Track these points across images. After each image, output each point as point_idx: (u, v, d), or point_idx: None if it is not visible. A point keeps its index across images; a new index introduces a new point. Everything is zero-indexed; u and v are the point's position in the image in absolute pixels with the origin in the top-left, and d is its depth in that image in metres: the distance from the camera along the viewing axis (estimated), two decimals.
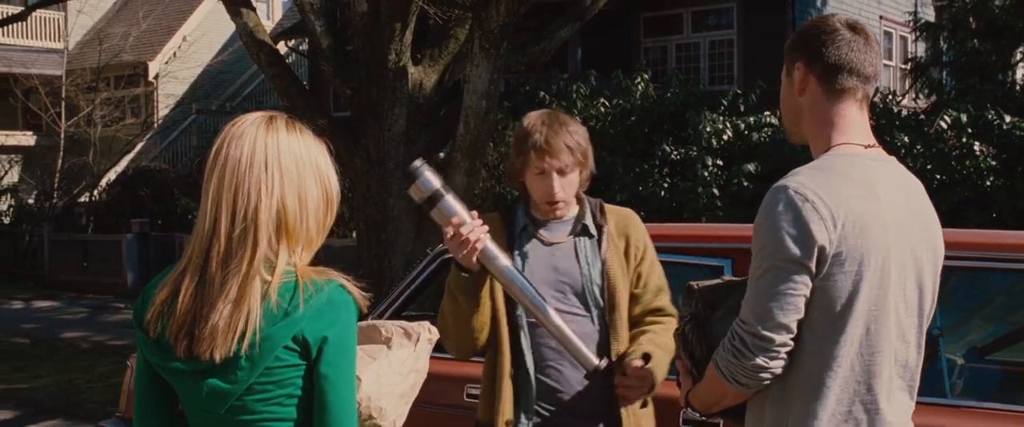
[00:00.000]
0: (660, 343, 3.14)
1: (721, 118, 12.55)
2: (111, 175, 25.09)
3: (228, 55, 28.59)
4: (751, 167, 12.02)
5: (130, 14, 30.06)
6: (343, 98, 9.53)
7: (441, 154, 10.30)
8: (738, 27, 18.83)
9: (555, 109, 3.32)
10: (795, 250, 2.28)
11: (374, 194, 8.92)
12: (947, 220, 8.57)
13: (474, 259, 3.00)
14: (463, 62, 8.88)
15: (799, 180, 2.34)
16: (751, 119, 12.54)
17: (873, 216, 2.33)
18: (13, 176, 27.26)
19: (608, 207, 3.31)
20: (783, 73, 2.53)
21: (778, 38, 17.53)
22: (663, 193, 12.37)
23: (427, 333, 2.57)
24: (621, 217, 3.31)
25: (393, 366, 2.41)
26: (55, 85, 26.42)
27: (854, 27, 2.44)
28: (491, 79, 8.20)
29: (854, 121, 2.45)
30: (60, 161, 25.24)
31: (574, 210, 3.26)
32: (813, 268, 2.28)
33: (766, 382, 2.36)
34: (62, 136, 25.67)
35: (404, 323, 2.57)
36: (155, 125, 27.92)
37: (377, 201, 8.94)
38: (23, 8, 18.29)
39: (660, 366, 3.10)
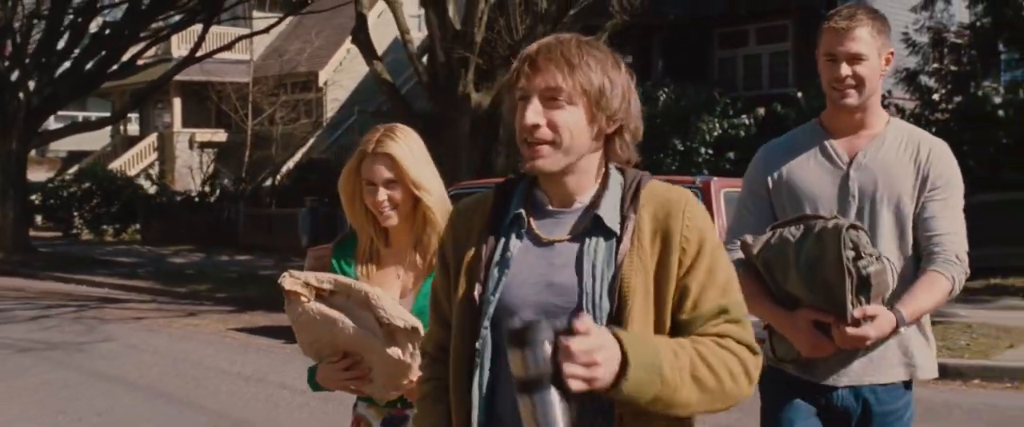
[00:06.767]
0: (685, 354, 1.92)
1: (715, 120, 17.38)
2: (289, 164, 30.67)
3: (385, 65, 33.31)
4: (732, 155, 16.86)
5: (303, 32, 35.64)
6: (434, 111, 14.92)
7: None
8: (792, 40, 22.51)
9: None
10: None
11: (449, 172, 14.27)
12: None
13: None
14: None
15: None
16: (734, 120, 17.36)
17: None
18: (208, 167, 33.22)
19: (651, 187, 2.10)
20: (871, 48, 3.00)
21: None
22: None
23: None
24: (664, 202, 2.06)
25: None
26: (242, 91, 31.87)
27: None
28: None
29: None
30: (247, 153, 31.01)
31: (590, 192, 2.11)
32: None
33: None
34: (249, 133, 31.43)
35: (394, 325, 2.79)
36: (324, 124, 33.27)
37: (452, 177, 14.30)
38: (236, 39, 23.97)
39: (646, 356, 1.85)
